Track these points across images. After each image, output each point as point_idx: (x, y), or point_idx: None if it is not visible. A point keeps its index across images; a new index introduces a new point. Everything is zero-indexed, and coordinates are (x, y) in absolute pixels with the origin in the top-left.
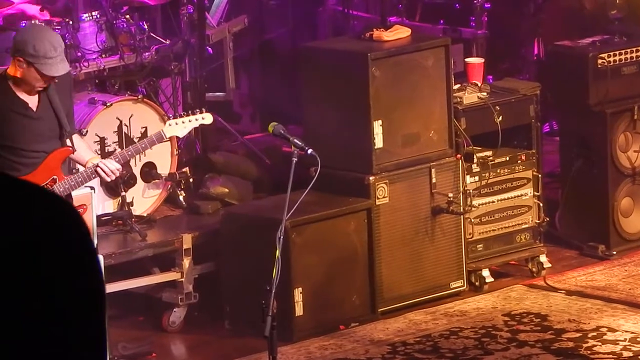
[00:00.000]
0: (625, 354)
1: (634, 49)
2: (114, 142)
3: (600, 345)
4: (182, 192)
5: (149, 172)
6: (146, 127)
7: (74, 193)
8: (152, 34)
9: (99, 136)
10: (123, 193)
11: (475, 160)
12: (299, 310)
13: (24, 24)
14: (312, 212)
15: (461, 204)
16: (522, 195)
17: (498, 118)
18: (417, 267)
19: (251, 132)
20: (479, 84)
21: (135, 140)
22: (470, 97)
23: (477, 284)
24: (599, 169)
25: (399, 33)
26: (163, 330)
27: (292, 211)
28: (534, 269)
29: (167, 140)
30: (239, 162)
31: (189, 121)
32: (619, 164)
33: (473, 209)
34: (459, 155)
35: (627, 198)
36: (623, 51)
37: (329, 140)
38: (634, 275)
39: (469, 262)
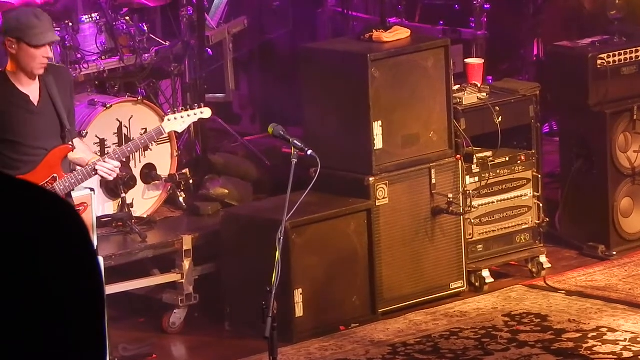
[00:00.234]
0: (626, 354)
1: (634, 50)
2: (114, 144)
3: (601, 346)
4: (182, 193)
5: (149, 173)
6: (146, 129)
7: (74, 194)
8: (151, 36)
9: (98, 138)
10: (123, 194)
11: (475, 160)
12: (299, 311)
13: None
14: (312, 213)
15: (461, 205)
16: (522, 195)
17: (498, 119)
18: (417, 268)
19: (251, 133)
20: (479, 85)
21: None
22: (470, 97)
23: (477, 284)
24: (598, 170)
25: (399, 34)
26: (163, 332)
27: (292, 212)
28: (534, 270)
29: (166, 136)
30: (239, 164)
31: (188, 116)
32: (619, 164)
33: (473, 209)
34: (458, 156)
35: (627, 198)
36: (623, 51)
37: (328, 141)
38: (634, 275)
39: (469, 263)
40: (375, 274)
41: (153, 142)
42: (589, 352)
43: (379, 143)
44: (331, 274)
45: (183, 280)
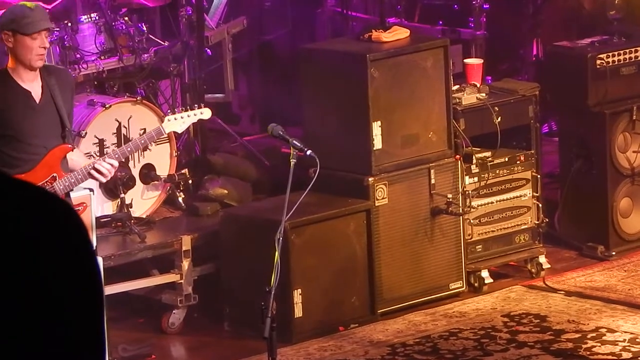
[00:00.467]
0: (625, 354)
1: (633, 50)
2: (113, 144)
3: (600, 346)
4: (181, 193)
5: (148, 173)
6: (145, 129)
7: (72, 194)
8: (151, 36)
9: (97, 138)
10: (122, 195)
11: (474, 161)
12: (298, 312)
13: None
14: (312, 214)
15: (460, 205)
16: (521, 196)
17: (497, 119)
18: (417, 268)
19: (250, 133)
20: (478, 85)
21: None
22: (469, 97)
23: (476, 285)
24: (598, 170)
25: (398, 34)
26: (163, 332)
27: (291, 212)
28: (533, 270)
29: (165, 136)
30: (238, 164)
31: (188, 116)
32: (618, 165)
33: (472, 209)
34: (458, 156)
35: (626, 198)
36: (622, 51)
37: (328, 141)
38: (633, 275)
39: (468, 263)
40: (375, 274)
41: (152, 142)
42: (588, 353)
43: (378, 143)
44: (330, 274)
45: (182, 281)
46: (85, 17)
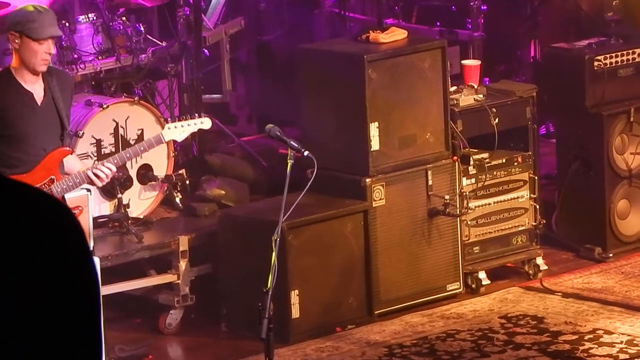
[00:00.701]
0: (622, 356)
1: (631, 51)
2: (110, 144)
3: (597, 348)
4: (179, 194)
5: (145, 174)
6: (142, 129)
7: (70, 195)
8: (148, 36)
9: (95, 138)
10: (119, 195)
11: (471, 162)
12: (295, 313)
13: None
14: (309, 214)
15: (457, 206)
16: (518, 197)
17: (494, 120)
18: (414, 269)
19: (248, 134)
20: (476, 86)
21: (132, 142)
22: (466, 99)
23: (473, 286)
24: (595, 171)
25: (396, 35)
26: (160, 333)
27: (288, 213)
28: (530, 271)
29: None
30: (235, 164)
31: (188, 125)
32: (616, 166)
33: (469, 211)
34: (455, 158)
35: (623, 200)
36: (619, 53)
37: (325, 142)
38: (631, 277)
39: (466, 265)
40: (372, 275)
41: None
42: (585, 355)
43: (375, 144)
44: (328, 275)
45: (179, 281)
46: (83, 17)
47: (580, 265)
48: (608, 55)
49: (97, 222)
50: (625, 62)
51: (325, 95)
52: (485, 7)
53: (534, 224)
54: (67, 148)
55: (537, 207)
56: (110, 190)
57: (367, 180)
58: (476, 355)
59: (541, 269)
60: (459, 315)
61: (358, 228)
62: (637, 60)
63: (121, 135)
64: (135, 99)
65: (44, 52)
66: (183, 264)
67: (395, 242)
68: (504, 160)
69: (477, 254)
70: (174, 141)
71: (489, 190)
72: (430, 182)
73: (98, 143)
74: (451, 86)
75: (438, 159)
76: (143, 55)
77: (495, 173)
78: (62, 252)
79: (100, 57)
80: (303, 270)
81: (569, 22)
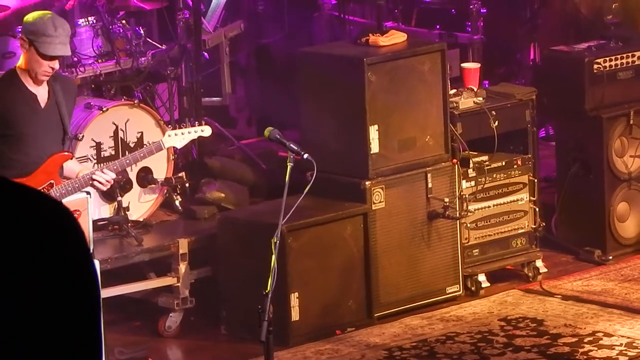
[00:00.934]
0: (621, 358)
1: (630, 54)
2: (110, 147)
3: (596, 350)
4: (178, 197)
5: (145, 177)
6: (142, 132)
7: (69, 198)
8: (148, 39)
9: (95, 141)
10: (119, 198)
11: (471, 165)
12: (295, 315)
13: (19, 30)
14: (309, 217)
15: (457, 209)
16: (518, 200)
17: (494, 123)
18: (413, 272)
19: (247, 136)
20: (475, 89)
21: (132, 145)
22: (466, 102)
23: (473, 288)
24: (595, 174)
25: (395, 38)
26: (159, 335)
27: (288, 216)
28: (530, 274)
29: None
30: (235, 167)
31: (188, 132)
32: (615, 169)
33: (469, 213)
34: (455, 160)
35: (623, 203)
36: (619, 56)
37: (325, 145)
38: (630, 280)
39: (465, 267)
40: (372, 278)
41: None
42: (585, 357)
43: (375, 147)
44: (327, 277)
45: (179, 284)
46: (83, 20)
47: (580, 267)
48: (607, 58)
49: (97, 225)
50: (624, 65)
51: (325, 98)
52: (484, 10)
53: (533, 226)
54: (67, 152)
55: (537, 209)
56: (110, 193)
57: (367, 182)
58: (476, 357)
59: (541, 271)
60: (459, 318)
61: (358, 231)
62: (636, 63)
63: (121, 138)
64: (135, 102)
65: (48, 66)
66: (183, 267)
67: (395, 245)
68: (503, 163)
69: (476, 256)
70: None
71: (488, 193)
72: (430, 185)
73: (98, 146)
74: (451, 89)
75: (438, 161)
76: (143, 59)
77: (494, 176)
78: (62, 253)
79: (100, 60)
80: (303, 272)
81: (568, 25)
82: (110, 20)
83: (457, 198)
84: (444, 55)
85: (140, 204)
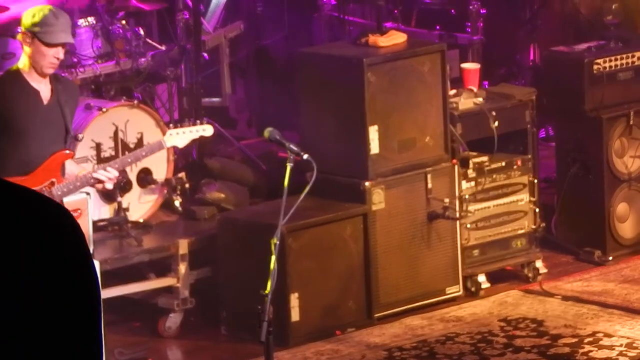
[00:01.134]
0: (622, 359)
1: (630, 55)
2: (110, 148)
3: (597, 351)
4: (178, 197)
5: (145, 177)
6: (142, 133)
7: (69, 198)
8: (148, 40)
9: (94, 142)
10: (119, 198)
11: (471, 165)
12: (295, 316)
13: (19, 30)
14: (309, 218)
15: (457, 210)
16: (518, 200)
17: (494, 123)
18: (413, 273)
19: (247, 137)
20: (475, 90)
21: (131, 146)
22: (466, 102)
23: (473, 289)
24: (594, 175)
25: (395, 38)
26: (159, 336)
27: (288, 216)
28: (530, 275)
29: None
30: (235, 168)
31: (190, 132)
32: (615, 170)
33: (469, 214)
34: (454, 161)
35: (623, 203)
36: (619, 57)
37: (325, 145)
38: (630, 280)
39: (465, 268)
40: (371, 278)
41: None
42: (585, 358)
43: (375, 147)
44: (327, 278)
45: (179, 285)
46: (83, 20)
47: (580, 268)
48: (607, 59)
49: (97, 226)
50: (624, 66)
51: (325, 99)
52: (484, 11)
53: (533, 227)
54: (69, 151)
55: (537, 210)
56: (110, 194)
57: (367, 183)
58: (476, 358)
59: (540, 272)
60: (459, 319)
61: (358, 231)
62: (636, 63)
63: (121, 139)
64: (135, 102)
65: (52, 57)
66: (183, 268)
67: (395, 246)
68: (503, 164)
69: (476, 257)
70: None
71: (488, 194)
72: (429, 186)
73: (97, 147)
74: (450, 89)
75: (437, 162)
76: (142, 59)
77: (494, 176)
78: (61, 254)
79: (99, 61)
80: (303, 273)
81: (568, 25)
82: (109, 21)
83: (457, 199)
84: (443, 56)
85: (140, 205)
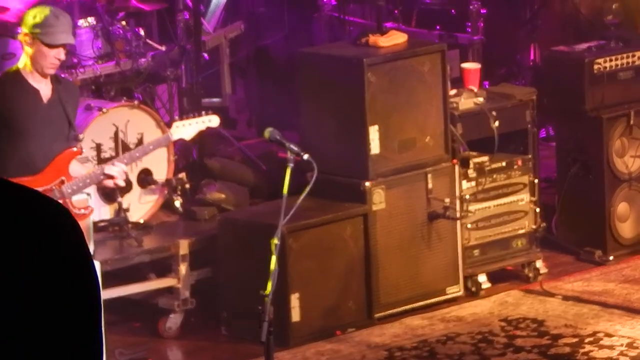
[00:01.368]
0: (622, 359)
1: (630, 54)
2: (110, 148)
3: (597, 351)
4: (179, 198)
5: (145, 178)
6: (142, 133)
7: (75, 197)
8: (148, 40)
9: (95, 142)
10: (119, 199)
11: (471, 165)
12: (295, 316)
13: (19, 31)
14: (309, 218)
15: (457, 210)
16: (518, 200)
17: (494, 123)
18: (414, 273)
19: (247, 137)
20: (475, 90)
21: (132, 146)
22: (466, 102)
23: (473, 289)
24: (595, 174)
25: (395, 39)
26: (160, 336)
27: (288, 217)
28: (530, 275)
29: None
30: (235, 168)
31: (196, 123)
32: (615, 169)
33: (469, 214)
34: (455, 161)
35: (623, 203)
36: (619, 56)
37: (325, 145)
38: (631, 280)
39: (466, 268)
40: (372, 278)
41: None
42: (586, 357)
43: (375, 148)
44: (328, 278)
45: (179, 285)
46: (83, 21)
47: (580, 268)
48: (608, 59)
49: (97, 226)
50: (624, 65)
51: (325, 99)
52: (484, 11)
53: (533, 227)
54: (76, 149)
55: (537, 210)
56: (110, 194)
57: (367, 183)
58: (476, 358)
59: (541, 272)
60: (459, 319)
61: (358, 231)
62: (636, 63)
63: (121, 139)
64: (135, 103)
65: (53, 57)
66: (183, 268)
67: (395, 246)
68: (503, 164)
69: (477, 257)
70: (174, 145)
71: (488, 194)
72: (430, 186)
73: (98, 147)
74: (451, 89)
75: (438, 162)
76: (142, 60)
77: (495, 176)
78: (61, 253)
79: (99, 62)
80: (303, 273)
81: (568, 25)
82: (110, 22)
83: (457, 199)
84: (444, 56)
85: (140, 205)
